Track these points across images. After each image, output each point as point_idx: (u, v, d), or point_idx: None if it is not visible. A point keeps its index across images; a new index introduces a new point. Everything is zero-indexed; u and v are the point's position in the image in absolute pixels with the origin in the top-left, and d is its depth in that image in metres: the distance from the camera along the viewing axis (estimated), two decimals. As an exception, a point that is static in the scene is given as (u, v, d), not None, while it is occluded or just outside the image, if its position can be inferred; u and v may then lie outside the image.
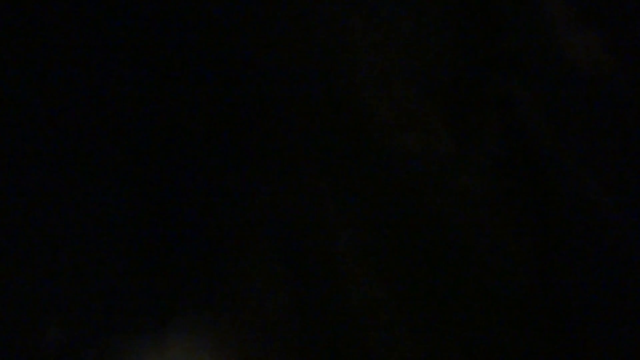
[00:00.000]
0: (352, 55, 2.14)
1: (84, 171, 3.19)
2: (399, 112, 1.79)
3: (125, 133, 3.35)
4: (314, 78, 2.33)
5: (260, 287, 3.20)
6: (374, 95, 1.98)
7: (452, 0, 2.13)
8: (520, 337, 1.79)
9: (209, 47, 2.86)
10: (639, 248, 1.80)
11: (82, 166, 3.18)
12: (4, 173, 2.95)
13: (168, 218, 3.35)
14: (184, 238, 3.31)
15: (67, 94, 3.01)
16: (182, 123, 3.33)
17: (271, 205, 3.32)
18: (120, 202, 3.27)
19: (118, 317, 2.87)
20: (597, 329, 1.76)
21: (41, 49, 2.90)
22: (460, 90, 1.89)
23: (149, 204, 3.31)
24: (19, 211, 2.93)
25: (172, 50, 2.98)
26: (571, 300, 1.80)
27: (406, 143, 1.81)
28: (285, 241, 3.19)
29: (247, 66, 2.85)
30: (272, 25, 2.39)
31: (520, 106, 1.85)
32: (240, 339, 3.18)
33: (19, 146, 2.88)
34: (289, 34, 2.38)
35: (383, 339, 2.38)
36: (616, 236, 1.81)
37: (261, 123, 2.86)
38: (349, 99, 2.03)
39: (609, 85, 1.95)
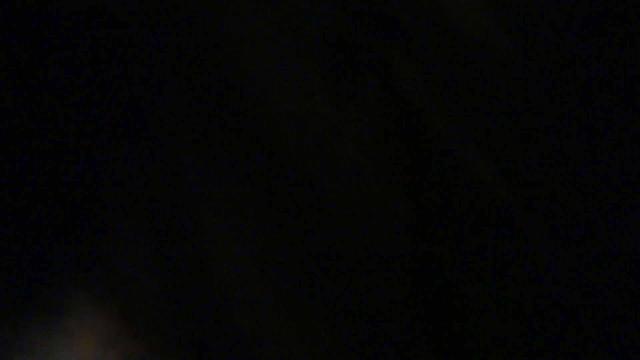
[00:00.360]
0: (233, 19, 2.04)
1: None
2: (279, 76, 1.71)
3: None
4: (188, 41, 2.23)
5: (125, 270, 3.10)
6: (253, 58, 1.89)
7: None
8: (396, 310, 1.75)
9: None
10: (518, 216, 1.80)
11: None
12: None
13: (21, 203, 3.21)
14: (53, 215, 3.20)
15: None
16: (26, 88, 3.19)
17: (134, 182, 3.22)
18: None
19: None
20: (477, 300, 1.74)
21: None
22: (342, 56, 1.83)
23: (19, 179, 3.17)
24: None
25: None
26: (450, 274, 1.78)
27: (286, 107, 1.73)
28: (150, 221, 3.13)
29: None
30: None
31: (401, 72, 1.82)
32: (106, 325, 3.07)
33: None
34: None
35: (250, 315, 2.33)
36: (497, 205, 1.80)
37: (126, 85, 2.75)
38: (226, 62, 1.93)
39: (493, 51, 1.94)
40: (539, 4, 2.06)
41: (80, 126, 3.29)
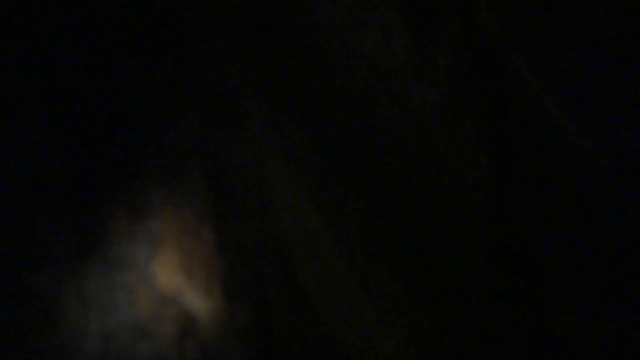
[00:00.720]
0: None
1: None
2: (350, 9, 1.61)
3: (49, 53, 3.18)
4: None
5: (188, 224, 3.09)
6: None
7: None
8: (470, 267, 1.67)
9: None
10: (603, 170, 1.70)
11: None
12: None
13: (93, 147, 3.20)
14: (103, 172, 3.19)
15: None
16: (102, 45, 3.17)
17: (196, 135, 3.19)
18: (43, 126, 3.11)
19: (36, 249, 2.86)
20: (557, 256, 1.65)
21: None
22: (421, -7, 1.72)
23: (68, 129, 3.15)
24: None
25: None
26: (530, 229, 1.68)
27: (358, 46, 1.64)
28: (212, 171, 3.10)
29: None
30: None
31: (483, 13, 1.71)
32: (166, 280, 3.06)
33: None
34: None
35: (312, 266, 2.28)
36: (581, 159, 1.70)
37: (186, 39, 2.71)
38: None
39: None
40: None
41: (143, 72, 3.28)
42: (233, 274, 2.95)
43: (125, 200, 3.20)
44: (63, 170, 3.18)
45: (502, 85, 1.68)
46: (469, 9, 1.66)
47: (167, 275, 2.99)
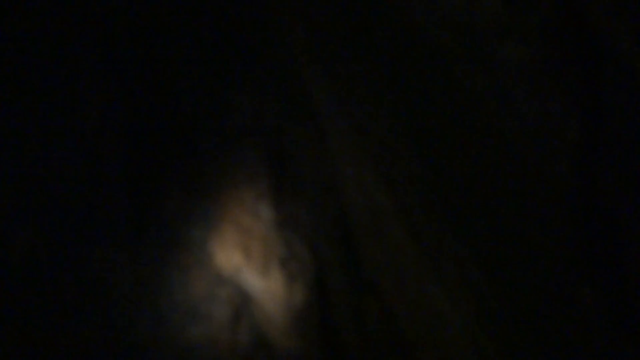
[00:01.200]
0: None
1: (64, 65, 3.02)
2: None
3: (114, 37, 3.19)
4: None
5: (244, 199, 3.05)
6: None
7: None
8: (551, 239, 1.56)
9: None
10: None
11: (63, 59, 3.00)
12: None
13: (150, 125, 3.19)
14: (165, 146, 3.18)
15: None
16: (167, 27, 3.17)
17: (256, 113, 3.14)
18: (100, 104, 3.11)
19: (92, 227, 2.79)
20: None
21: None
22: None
23: (125, 107, 3.15)
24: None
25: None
26: (618, 200, 1.56)
27: (444, 1, 1.55)
28: (273, 150, 3.05)
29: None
30: None
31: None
32: (221, 260, 3.03)
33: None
34: None
35: (361, 205, 2.21)
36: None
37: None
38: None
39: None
40: None
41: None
42: (291, 252, 2.89)
43: (182, 179, 3.18)
44: (120, 148, 3.16)
45: (595, 47, 1.57)
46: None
47: (225, 254, 2.94)
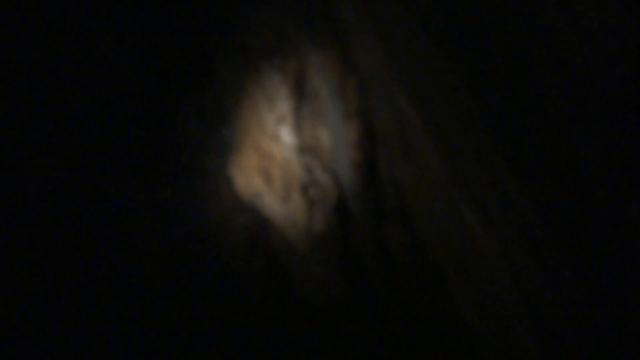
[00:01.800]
0: None
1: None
2: None
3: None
4: None
5: (265, 124, 2.98)
6: None
7: None
8: (604, 150, 1.48)
9: None
10: None
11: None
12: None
13: (166, 48, 3.10)
14: (182, 70, 3.09)
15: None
16: None
17: (275, 34, 3.04)
18: (117, 26, 3.02)
19: (108, 155, 2.73)
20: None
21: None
22: None
23: (145, 30, 3.04)
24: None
25: None
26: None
27: None
28: (292, 74, 2.96)
29: None
30: None
31: None
32: (242, 181, 2.98)
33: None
34: None
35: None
36: None
37: None
38: None
39: None
40: None
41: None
42: (312, 179, 2.84)
43: (200, 103, 3.10)
44: (136, 73, 3.07)
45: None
46: None
47: (245, 178, 2.89)
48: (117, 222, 2.81)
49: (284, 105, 2.84)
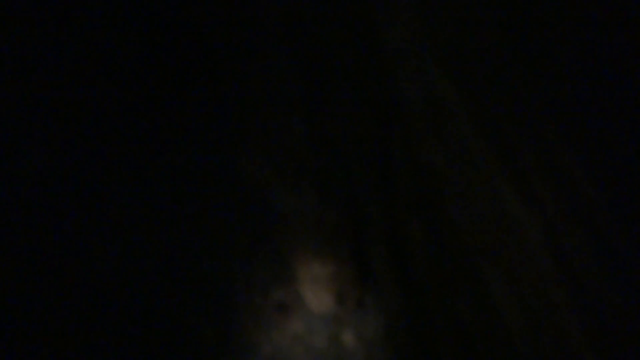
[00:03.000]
0: None
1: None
2: None
3: None
4: None
5: (275, 111, 2.83)
6: None
7: None
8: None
9: None
10: None
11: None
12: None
13: (166, 35, 2.96)
14: (184, 57, 2.95)
15: None
16: None
17: (283, 13, 2.89)
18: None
19: (106, 150, 2.59)
20: None
21: None
22: None
23: (143, 15, 2.90)
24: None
25: None
26: None
27: None
28: (303, 58, 2.81)
29: None
30: None
31: None
32: (251, 170, 2.82)
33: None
34: None
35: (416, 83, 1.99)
36: None
37: None
38: None
39: None
40: None
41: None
42: (324, 170, 2.70)
43: (204, 92, 2.94)
44: (134, 62, 2.93)
45: None
46: None
47: (253, 168, 2.75)
48: (118, 219, 2.67)
49: (294, 92, 2.69)
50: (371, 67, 2.26)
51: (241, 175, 2.69)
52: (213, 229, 2.73)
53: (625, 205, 1.39)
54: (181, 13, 2.86)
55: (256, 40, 2.85)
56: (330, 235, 2.63)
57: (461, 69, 1.65)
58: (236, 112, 2.80)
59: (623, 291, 1.42)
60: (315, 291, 2.73)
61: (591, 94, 1.46)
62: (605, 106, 1.43)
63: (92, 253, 2.51)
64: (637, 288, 1.38)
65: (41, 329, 2.23)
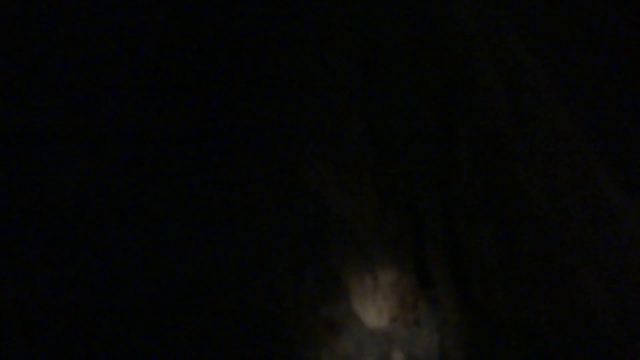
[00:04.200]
0: None
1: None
2: None
3: None
4: None
5: (335, 107, 2.68)
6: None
7: None
8: None
9: None
10: None
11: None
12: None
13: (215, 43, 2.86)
14: (236, 69, 2.83)
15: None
16: None
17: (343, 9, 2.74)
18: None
19: (144, 161, 2.55)
20: None
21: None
22: None
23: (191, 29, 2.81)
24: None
25: None
26: None
27: None
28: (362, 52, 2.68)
29: None
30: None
31: None
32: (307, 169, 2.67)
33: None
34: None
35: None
36: None
37: None
38: None
39: None
40: None
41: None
42: (384, 172, 2.54)
43: (263, 93, 2.78)
44: (176, 69, 2.83)
45: None
46: None
47: (311, 168, 2.61)
48: (147, 228, 2.53)
49: (355, 86, 2.54)
50: (437, 49, 2.09)
51: (299, 180, 2.55)
52: (266, 237, 2.58)
53: None
54: (232, 17, 2.76)
55: (311, 34, 2.72)
56: (392, 239, 2.46)
57: (550, 44, 1.49)
58: (292, 112, 2.67)
59: None
60: (368, 307, 2.55)
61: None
62: None
63: (135, 268, 2.38)
64: None
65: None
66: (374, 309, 2.64)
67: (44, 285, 2.35)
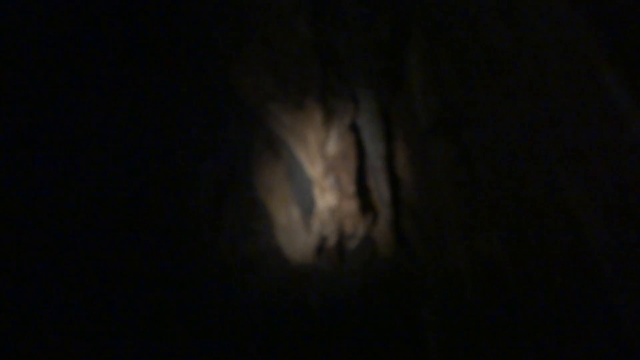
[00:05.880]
0: None
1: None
2: None
3: None
4: None
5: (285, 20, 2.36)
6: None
7: None
8: None
9: None
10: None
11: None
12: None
13: None
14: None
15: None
16: None
17: None
18: None
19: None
20: None
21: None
22: None
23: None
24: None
25: None
26: None
27: None
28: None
29: None
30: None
31: None
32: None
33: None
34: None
35: None
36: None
37: None
38: None
39: None
40: None
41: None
42: (331, 85, 2.39)
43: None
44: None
45: None
46: None
47: (253, 79, 2.43)
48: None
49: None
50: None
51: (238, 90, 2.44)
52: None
53: None
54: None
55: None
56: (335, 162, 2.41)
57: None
58: (234, 17, 2.44)
59: None
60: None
61: None
62: None
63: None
64: None
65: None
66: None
67: None
